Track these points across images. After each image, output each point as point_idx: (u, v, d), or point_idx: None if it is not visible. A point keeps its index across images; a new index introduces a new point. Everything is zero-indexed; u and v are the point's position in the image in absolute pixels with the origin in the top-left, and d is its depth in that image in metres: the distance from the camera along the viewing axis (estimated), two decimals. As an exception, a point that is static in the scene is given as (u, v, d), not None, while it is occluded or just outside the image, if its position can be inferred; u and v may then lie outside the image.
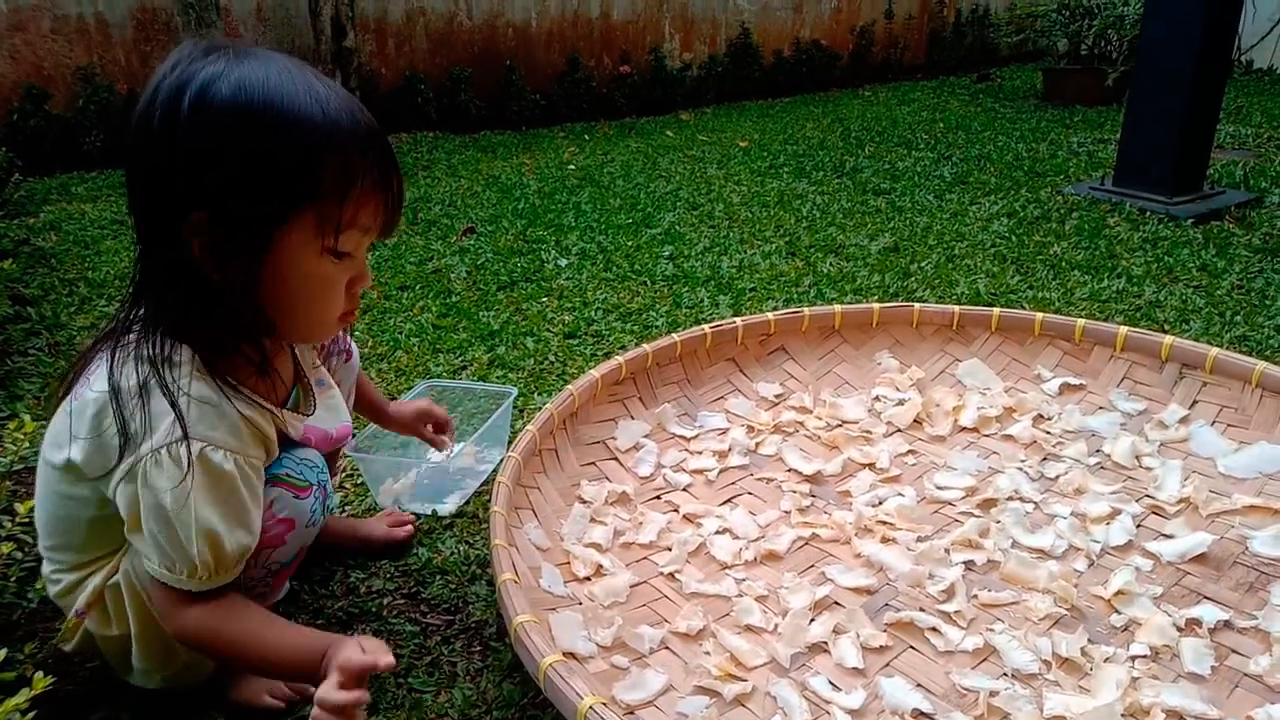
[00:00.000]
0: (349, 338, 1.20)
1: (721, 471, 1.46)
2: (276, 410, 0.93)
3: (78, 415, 0.86)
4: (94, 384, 0.86)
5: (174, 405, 0.82)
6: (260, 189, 0.80)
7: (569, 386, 1.46)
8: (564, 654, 0.97)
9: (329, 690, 0.82)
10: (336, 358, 1.16)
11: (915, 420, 1.58)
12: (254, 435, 0.89)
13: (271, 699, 0.99)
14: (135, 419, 0.83)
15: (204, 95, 0.78)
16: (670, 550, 1.26)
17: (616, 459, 1.47)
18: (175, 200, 0.80)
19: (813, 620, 1.11)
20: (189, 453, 0.82)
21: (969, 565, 1.22)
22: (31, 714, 0.80)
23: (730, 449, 1.50)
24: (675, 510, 1.36)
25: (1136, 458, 1.44)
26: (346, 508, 1.40)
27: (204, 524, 0.83)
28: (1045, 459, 1.46)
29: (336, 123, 0.82)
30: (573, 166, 3.79)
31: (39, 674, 0.80)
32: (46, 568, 0.95)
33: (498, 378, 1.80)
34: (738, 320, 1.69)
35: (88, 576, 0.93)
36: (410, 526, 1.30)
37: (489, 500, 1.21)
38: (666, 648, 1.08)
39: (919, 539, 1.27)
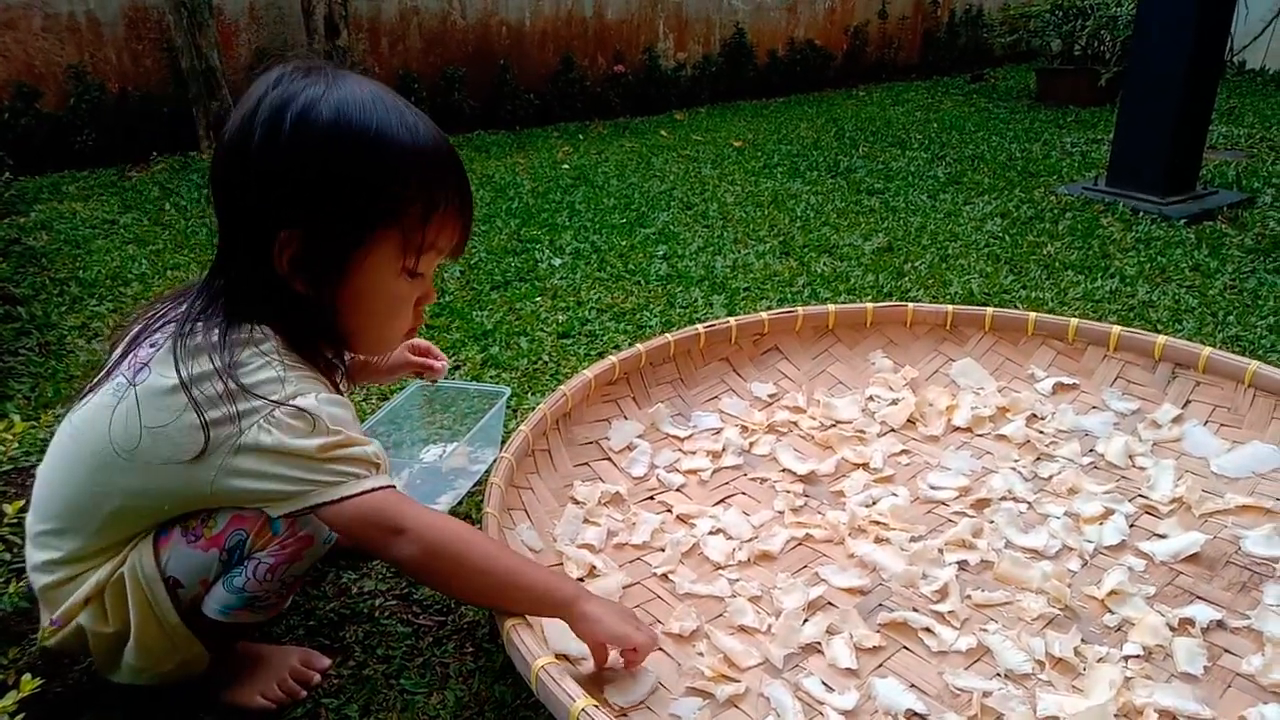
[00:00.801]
0: None
1: (715, 472, 1.45)
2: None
3: (148, 401, 0.84)
4: (162, 370, 0.84)
5: (270, 362, 0.85)
6: (352, 209, 0.85)
7: (562, 386, 1.45)
8: (556, 655, 0.97)
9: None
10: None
11: (909, 420, 1.58)
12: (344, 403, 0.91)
13: (263, 700, 0.99)
14: (231, 397, 0.82)
15: (305, 116, 0.82)
16: (664, 551, 1.25)
17: (610, 459, 1.46)
18: (269, 214, 0.84)
19: (806, 621, 1.11)
20: (302, 404, 0.84)
21: (962, 565, 1.22)
22: (20, 716, 0.80)
23: (724, 449, 1.50)
24: (669, 510, 1.36)
25: (1130, 457, 1.44)
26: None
27: (345, 438, 0.86)
28: (1039, 459, 1.46)
29: (424, 150, 0.87)
30: (567, 166, 3.78)
31: (26, 676, 0.79)
32: (39, 555, 0.91)
33: (491, 378, 1.79)
34: (731, 320, 1.69)
35: (88, 571, 0.90)
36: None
37: (482, 501, 1.20)
38: (659, 649, 1.08)
39: (912, 539, 1.27)
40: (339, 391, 0.97)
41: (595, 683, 1.00)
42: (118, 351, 0.92)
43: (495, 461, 1.27)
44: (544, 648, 0.95)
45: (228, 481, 0.84)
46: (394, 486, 0.90)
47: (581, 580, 1.19)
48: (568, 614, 0.95)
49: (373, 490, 0.87)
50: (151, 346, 0.87)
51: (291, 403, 0.84)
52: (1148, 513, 1.32)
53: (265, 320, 0.87)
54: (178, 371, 0.83)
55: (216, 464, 0.83)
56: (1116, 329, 1.61)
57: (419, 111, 0.90)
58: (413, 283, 0.93)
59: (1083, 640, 1.07)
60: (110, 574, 0.90)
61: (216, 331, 0.85)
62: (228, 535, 0.89)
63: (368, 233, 0.86)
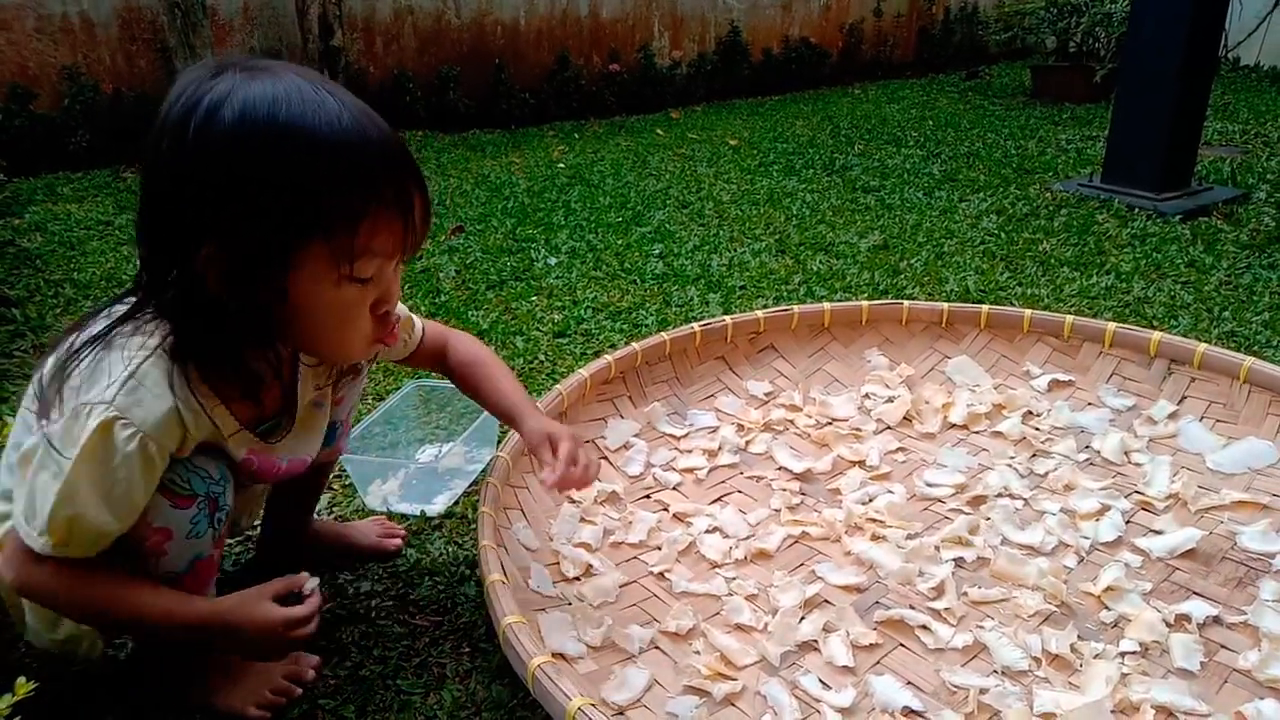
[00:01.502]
0: (344, 440, 1.18)
1: (711, 470, 1.45)
2: (221, 425, 0.90)
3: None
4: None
5: (117, 370, 0.80)
6: (269, 220, 0.78)
7: (558, 386, 1.45)
8: (553, 655, 0.97)
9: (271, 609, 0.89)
10: (346, 376, 1.10)
11: (905, 417, 1.58)
12: (175, 426, 0.84)
13: (256, 710, 0.98)
14: (82, 372, 0.80)
15: (208, 121, 0.76)
16: (660, 549, 1.25)
17: (606, 458, 1.46)
18: (186, 230, 0.78)
19: (803, 619, 1.11)
20: (98, 419, 0.78)
21: (959, 562, 1.22)
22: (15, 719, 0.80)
23: (720, 447, 1.50)
24: (665, 509, 1.36)
25: (1125, 454, 1.44)
26: (335, 509, 1.39)
27: (71, 493, 0.79)
28: (1034, 455, 1.46)
29: (347, 144, 0.79)
30: (562, 165, 3.78)
31: (21, 679, 0.79)
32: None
33: (487, 377, 1.78)
34: (727, 319, 1.69)
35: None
36: (399, 541, 1.27)
37: (478, 500, 1.20)
38: (656, 647, 1.08)
39: (909, 536, 1.27)
40: (283, 398, 0.95)
41: (592, 682, 1.00)
42: None
43: (491, 461, 1.27)
44: (540, 647, 0.95)
45: (34, 438, 0.83)
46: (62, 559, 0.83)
47: (577, 579, 1.18)
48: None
49: (46, 558, 0.82)
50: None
51: (88, 411, 0.79)
52: (1144, 509, 1.32)
53: (188, 338, 0.83)
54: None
55: (38, 431, 0.82)
56: (1112, 325, 1.61)
57: (348, 100, 0.81)
58: (362, 288, 0.85)
59: (1079, 637, 1.07)
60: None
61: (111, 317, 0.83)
62: None
63: (291, 243, 0.79)
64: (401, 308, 1.07)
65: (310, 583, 0.94)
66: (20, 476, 0.84)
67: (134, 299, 0.85)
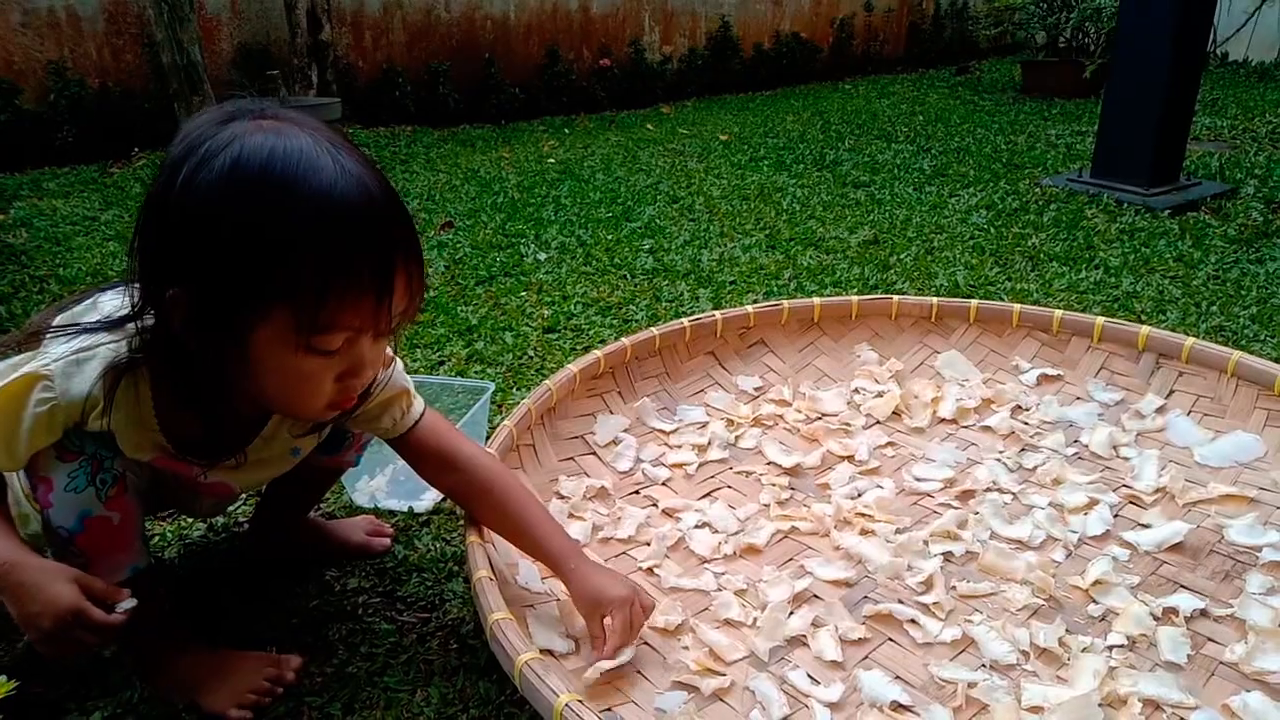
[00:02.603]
0: (352, 453, 1.16)
1: (701, 465, 1.45)
2: (125, 442, 0.90)
3: None
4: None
5: (76, 344, 0.85)
6: (236, 275, 0.77)
7: (547, 381, 1.45)
8: (541, 651, 0.96)
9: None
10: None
11: (894, 412, 1.58)
12: (79, 411, 0.86)
13: (237, 711, 0.97)
14: (68, 339, 0.85)
15: (199, 168, 0.76)
16: (649, 545, 1.25)
17: (595, 454, 1.46)
18: (162, 268, 0.80)
19: (791, 614, 1.11)
20: (29, 369, 0.83)
21: (947, 557, 1.22)
22: (-3, 719, 0.79)
23: (709, 443, 1.50)
24: (654, 505, 1.35)
25: (1114, 448, 1.44)
26: (322, 505, 1.39)
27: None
28: (1023, 450, 1.46)
29: (329, 213, 0.77)
30: (552, 160, 3.77)
31: (2, 678, 0.78)
32: None
33: (476, 373, 1.78)
34: (717, 314, 1.68)
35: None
36: (388, 541, 1.26)
37: (465, 496, 1.19)
38: (645, 643, 1.07)
39: (897, 531, 1.27)
40: (238, 436, 0.96)
41: (580, 678, 0.99)
42: None
43: (479, 457, 1.26)
44: (528, 644, 0.94)
45: None
46: None
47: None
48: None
49: None
50: None
51: (33, 363, 0.84)
52: (1132, 503, 1.32)
53: (163, 374, 0.87)
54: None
55: None
56: (1100, 320, 1.61)
57: (351, 167, 0.79)
58: (324, 359, 0.82)
59: (1067, 630, 1.07)
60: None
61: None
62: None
63: (254, 303, 0.78)
64: (404, 379, 1.05)
65: (127, 603, 0.89)
66: None
67: (121, 298, 0.87)
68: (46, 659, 0.97)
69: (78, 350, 0.85)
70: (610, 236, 2.68)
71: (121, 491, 0.91)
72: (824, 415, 1.59)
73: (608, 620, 1.00)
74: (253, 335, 0.80)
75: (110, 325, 0.86)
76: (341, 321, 0.80)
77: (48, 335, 0.86)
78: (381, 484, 1.41)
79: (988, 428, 1.52)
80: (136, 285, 0.83)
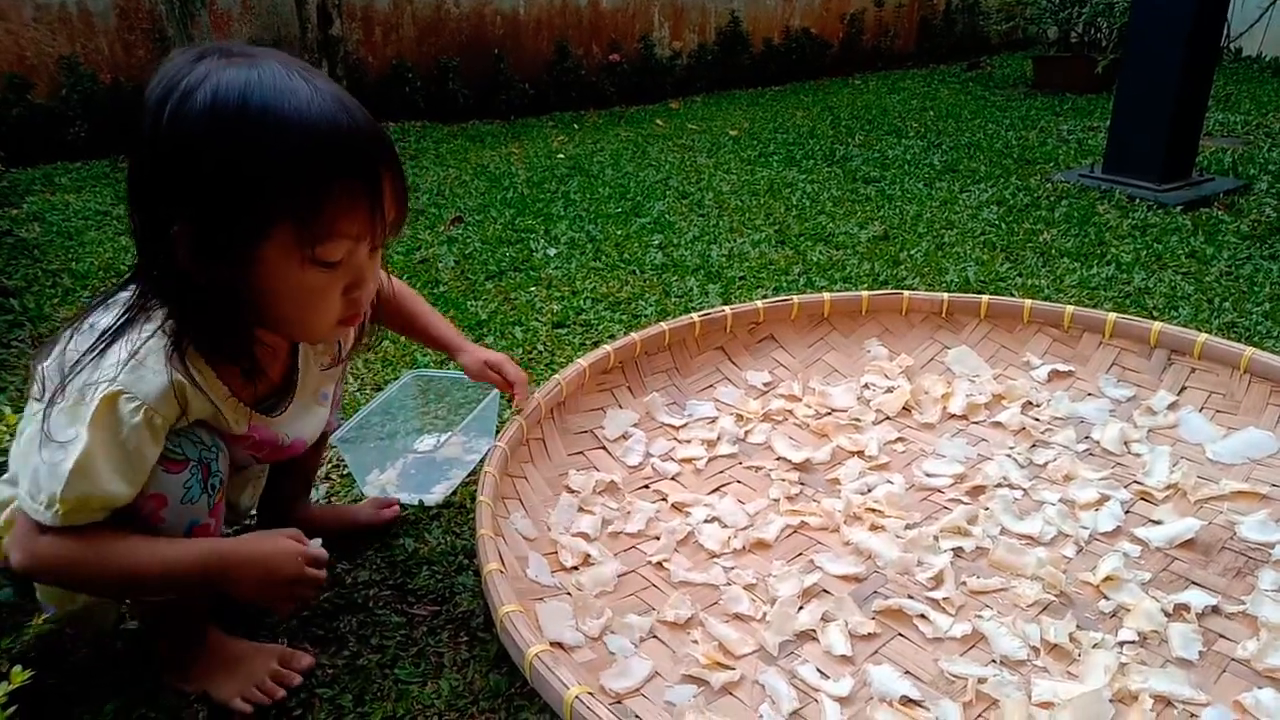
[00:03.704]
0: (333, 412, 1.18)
1: (710, 460, 1.45)
2: (222, 404, 0.92)
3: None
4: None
5: (121, 353, 0.84)
6: (234, 202, 0.80)
7: (557, 375, 1.45)
8: (551, 644, 0.97)
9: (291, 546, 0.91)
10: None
11: (904, 408, 1.58)
12: (173, 400, 0.86)
13: (241, 702, 0.98)
14: (85, 359, 0.83)
15: (181, 104, 0.78)
16: (658, 539, 1.25)
17: (605, 448, 1.46)
18: (161, 209, 0.81)
19: (801, 608, 1.11)
20: (102, 394, 0.82)
21: (957, 552, 1.21)
22: (12, 708, 0.79)
23: (719, 437, 1.50)
24: (663, 499, 1.36)
25: (1125, 444, 1.44)
26: (333, 499, 1.39)
27: (87, 464, 0.82)
28: (1034, 446, 1.46)
29: (314, 128, 0.80)
30: (562, 155, 3.77)
31: (17, 668, 0.79)
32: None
33: (486, 367, 1.78)
34: (726, 309, 1.68)
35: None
36: (396, 508, 1.31)
37: (476, 490, 1.20)
38: (654, 636, 1.08)
39: (907, 526, 1.27)
40: (276, 381, 0.99)
41: (590, 670, 1.00)
42: None
43: (490, 451, 1.26)
44: (538, 636, 0.95)
45: (36, 423, 0.84)
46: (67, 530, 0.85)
47: (575, 569, 1.18)
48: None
49: (50, 529, 0.84)
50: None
51: (92, 394, 0.82)
52: (1143, 499, 1.32)
53: (176, 318, 0.86)
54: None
55: (38, 408, 0.84)
56: (1112, 316, 1.60)
57: (324, 87, 0.83)
58: (330, 272, 0.86)
59: (1078, 626, 1.07)
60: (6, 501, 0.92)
61: (117, 302, 0.87)
62: None
63: (257, 224, 0.81)
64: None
65: (317, 542, 0.94)
66: (24, 461, 0.86)
67: (133, 286, 0.87)
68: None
69: (126, 358, 0.83)
70: (620, 232, 2.68)
71: (222, 497, 0.94)
72: (834, 410, 1.58)
73: (505, 372, 1.24)
74: (259, 257, 0.82)
75: (130, 314, 0.86)
76: (340, 229, 0.83)
77: (74, 374, 0.83)
78: (392, 477, 1.41)
79: (998, 423, 1.52)
80: (139, 233, 0.85)
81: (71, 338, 0.86)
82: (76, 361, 0.83)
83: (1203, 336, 1.50)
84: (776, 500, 1.34)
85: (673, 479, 1.41)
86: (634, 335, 1.58)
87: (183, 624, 1.00)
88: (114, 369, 0.83)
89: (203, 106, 0.78)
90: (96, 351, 0.84)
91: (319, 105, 0.81)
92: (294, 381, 1.02)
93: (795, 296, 1.74)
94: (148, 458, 0.86)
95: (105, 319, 0.86)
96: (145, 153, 0.81)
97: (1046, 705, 0.96)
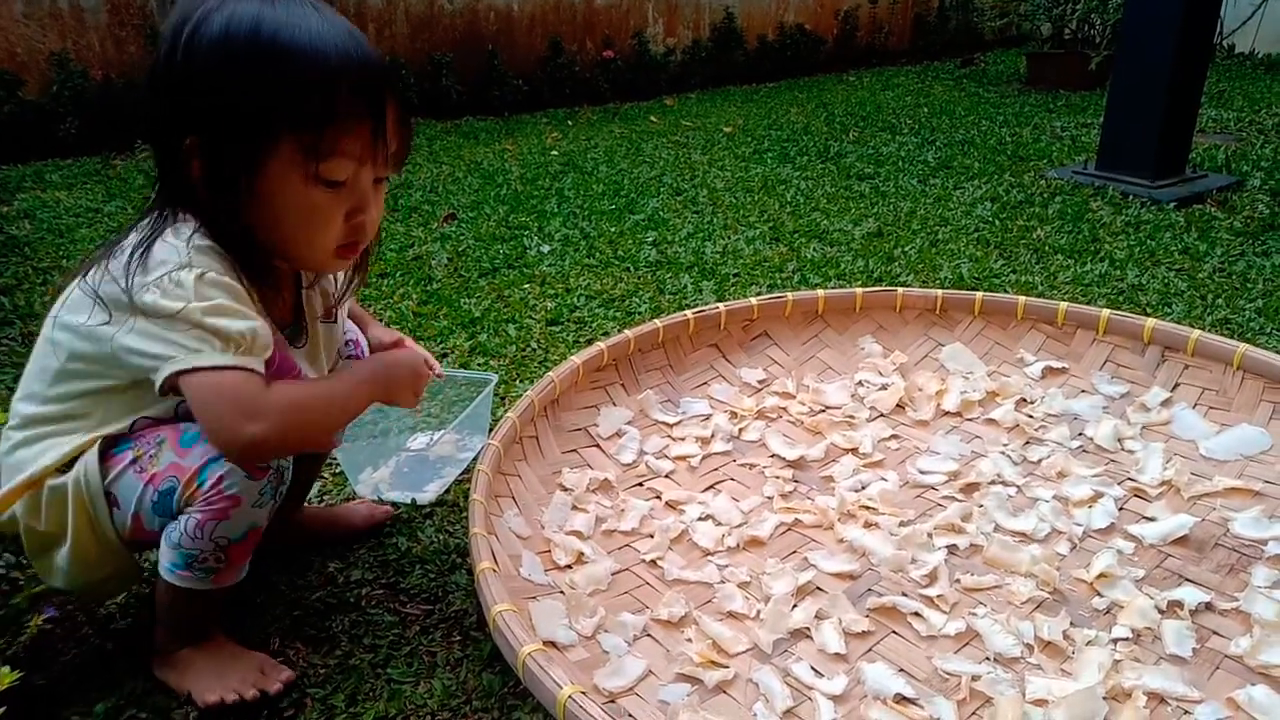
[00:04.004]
0: (363, 343, 1.20)
1: (704, 458, 1.45)
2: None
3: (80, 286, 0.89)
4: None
5: (176, 247, 0.86)
6: (241, 114, 0.83)
7: (550, 373, 1.44)
8: (544, 643, 0.96)
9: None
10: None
11: (898, 405, 1.58)
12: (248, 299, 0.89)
13: (212, 697, 0.98)
14: (137, 261, 0.85)
15: (197, 27, 0.83)
16: (652, 537, 1.25)
17: (598, 446, 1.46)
18: (173, 126, 0.85)
19: (795, 606, 1.11)
20: (192, 274, 0.84)
21: (951, 549, 1.21)
22: (1, 710, 0.79)
23: (713, 435, 1.49)
24: (658, 497, 1.35)
25: (1119, 441, 1.44)
26: (325, 497, 1.39)
27: (218, 306, 0.85)
28: (1028, 443, 1.46)
29: (321, 51, 0.84)
30: (555, 152, 3.76)
31: (5, 669, 0.78)
32: (9, 422, 0.96)
33: (479, 365, 1.78)
34: (721, 306, 1.68)
35: (37, 437, 0.92)
36: (388, 508, 1.31)
37: (469, 488, 1.19)
38: (648, 635, 1.07)
39: (901, 524, 1.27)
40: (289, 306, 1.02)
41: (584, 669, 0.99)
42: None
43: (483, 449, 1.26)
44: (531, 635, 0.94)
45: (121, 340, 0.85)
46: (259, 373, 0.87)
47: (569, 567, 1.18)
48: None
49: (228, 369, 0.84)
50: None
51: (177, 272, 0.84)
52: (1137, 496, 1.32)
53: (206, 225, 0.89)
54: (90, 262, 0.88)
55: (112, 331, 0.85)
56: (1106, 312, 1.60)
57: (333, 18, 0.87)
58: (332, 193, 0.88)
59: (1071, 623, 1.07)
60: (55, 466, 0.91)
61: (142, 226, 0.89)
62: (164, 478, 0.90)
63: (262, 136, 0.84)
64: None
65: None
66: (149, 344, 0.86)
67: (153, 212, 0.90)
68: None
69: (185, 249, 0.85)
70: (613, 229, 2.67)
71: (275, 506, 0.96)
72: (828, 408, 1.58)
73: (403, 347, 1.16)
74: (263, 171, 0.86)
75: (159, 225, 0.87)
76: (343, 147, 0.86)
77: (130, 275, 0.85)
78: (385, 475, 1.41)
79: (992, 420, 1.52)
80: (155, 153, 0.89)
81: (108, 261, 0.87)
82: (126, 266, 0.85)
83: (1196, 333, 1.51)
84: (771, 498, 1.34)
85: (667, 477, 1.41)
86: (628, 332, 1.57)
87: (200, 614, 1.00)
88: (183, 256, 0.85)
89: (218, 27, 0.82)
90: (138, 257, 0.85)
91: (329, 32, 0.85)
92: (303, 314, 1.04)
93: (789, 293, 1.73)
94: (249, 300, 0.88)
95: (135, 238, 0.88)
96: (161, 73, 0.85)
97: (1040, 703, 0.96)
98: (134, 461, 0.91)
